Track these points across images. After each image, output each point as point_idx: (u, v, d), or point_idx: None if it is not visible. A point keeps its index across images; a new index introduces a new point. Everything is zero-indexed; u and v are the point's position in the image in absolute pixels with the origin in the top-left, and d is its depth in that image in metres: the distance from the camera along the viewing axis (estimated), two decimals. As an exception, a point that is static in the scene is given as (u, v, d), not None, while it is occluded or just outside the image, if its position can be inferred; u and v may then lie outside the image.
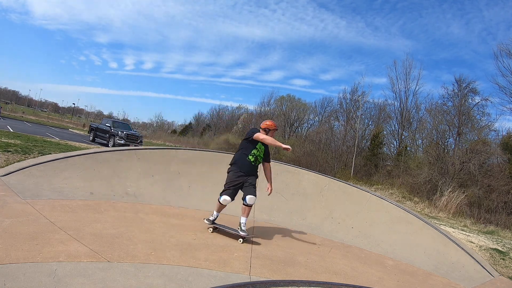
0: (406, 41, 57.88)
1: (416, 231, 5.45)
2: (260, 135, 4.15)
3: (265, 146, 4.35)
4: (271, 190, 4.36)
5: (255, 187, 4.17)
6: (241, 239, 4.08)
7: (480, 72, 49.56)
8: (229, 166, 4.34)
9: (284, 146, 4.02)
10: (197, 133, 51.42)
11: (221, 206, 4.20)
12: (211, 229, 4.27)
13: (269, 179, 4.41)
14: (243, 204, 4.12)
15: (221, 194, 4.18)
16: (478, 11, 51.44)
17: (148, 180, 5.56)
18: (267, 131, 4.33)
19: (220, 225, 4.31)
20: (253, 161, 4.22)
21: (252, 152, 4.21)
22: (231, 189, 4.15)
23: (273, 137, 4.29)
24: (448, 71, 54.74)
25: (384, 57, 64.58)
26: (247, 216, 4.13)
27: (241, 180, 4.17)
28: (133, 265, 2.75)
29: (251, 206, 4.14)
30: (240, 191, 4.21)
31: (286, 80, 77.39)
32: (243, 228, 4.08)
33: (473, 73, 56.20)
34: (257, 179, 4.32)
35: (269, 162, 4.46)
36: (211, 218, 4.26)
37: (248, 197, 4.06)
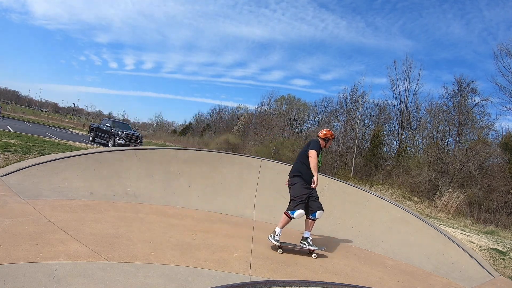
0: (407, 41, 57.90)
1: (416, 231, 5.45)
2: (311, 153, 4.10)
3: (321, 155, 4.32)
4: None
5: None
6: (315, 255, 4.10)
7: (480, 72, 49.67)
8: (292, 177, 4.21)
9: (316, 179, 4.11)
10: (197, 133, 51.44)
11: (288, 221, 4.04)
12: (281, 250, 4.04)
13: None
14: (310, 218, 4.10)
15: (292, 209, 3.98)
16: (478, 11, 51.49)
17: (148, 180, 5.56)
18: (326, 140, 4.38)
19: (287, 243, 4.16)
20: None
21: None
22: (303, 203, 4.03)
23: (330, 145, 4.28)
24: (448, 71, 54.79)
25: (385, 57, 64.61)
26: (311, 230, 4.14)
27: (307, 192, 4.09)
28: (133, 265, 2.75)
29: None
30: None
31: (286, 80, 77.38)
32: (310, 242, 4.08)
33: (473, 73, 56.28)
34: None
35: None
36: (278, 238, 4.00)
37: (318, 212, 4.08)
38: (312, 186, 4.04)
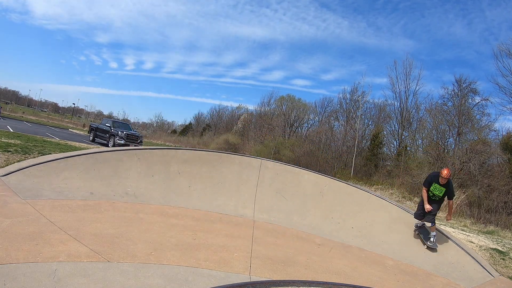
0: (408, 41, 57.78)
1: (416, 231, 5.45)
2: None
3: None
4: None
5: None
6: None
7: (482, 72, 49.61)
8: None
9: (426, 207, 5.20)
10: (197, 133, 51.41)
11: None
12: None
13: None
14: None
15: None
16: (480, 11, 51.29)
17: (148, 180, 5.56)
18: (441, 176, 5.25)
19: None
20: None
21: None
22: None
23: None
24: (450, 72, 54.64)
25: (386, 57, 64.50)
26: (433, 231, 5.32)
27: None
28: (133, 265, 2.75)
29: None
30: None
31: (287, 80, 77.23)
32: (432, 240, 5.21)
33: (475, 74, 56.26)
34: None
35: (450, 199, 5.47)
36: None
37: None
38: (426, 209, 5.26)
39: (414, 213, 5.46)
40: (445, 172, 5.08)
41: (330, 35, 74.15)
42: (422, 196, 5.41)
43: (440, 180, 5.15)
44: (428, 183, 5.31)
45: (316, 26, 75.96)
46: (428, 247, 5.15)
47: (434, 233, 5.21)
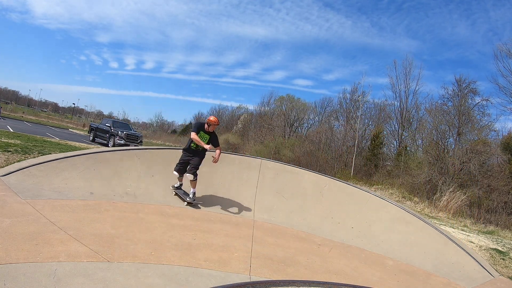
0: (412, 41, 57.67)
1: (416, 231, 5.45)
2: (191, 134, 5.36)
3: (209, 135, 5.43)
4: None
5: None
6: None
7: (485, 72, 49.62)
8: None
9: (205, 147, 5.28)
10: (197, 133, 51.33)
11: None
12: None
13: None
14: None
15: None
16: (484, 11, 51.19)
17: (148, 180, 5.56)
18: (208, 124, 5.38)
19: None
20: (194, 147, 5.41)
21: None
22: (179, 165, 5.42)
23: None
24: (452, 72, 54.17)
25: (389, 57, 64.49)
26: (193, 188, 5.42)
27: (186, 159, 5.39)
28: (133, 265, 2.75)
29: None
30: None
31: (289, 80, 77.05)
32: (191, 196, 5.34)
33: (477, 74, 56.07)
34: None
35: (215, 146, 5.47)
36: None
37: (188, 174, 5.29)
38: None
39: (175, 168, 5.41)
40: (212, 118, 5.36)
41: (333, 35, 74.04)
42: (184, 149, 5.45)
43: (205, 127, 5.37)
44: (197, 129, 5.38)
45: (319, 26, 75.89)
46: (188, 203, 5.21)
47: (193, 190, 5.28)
